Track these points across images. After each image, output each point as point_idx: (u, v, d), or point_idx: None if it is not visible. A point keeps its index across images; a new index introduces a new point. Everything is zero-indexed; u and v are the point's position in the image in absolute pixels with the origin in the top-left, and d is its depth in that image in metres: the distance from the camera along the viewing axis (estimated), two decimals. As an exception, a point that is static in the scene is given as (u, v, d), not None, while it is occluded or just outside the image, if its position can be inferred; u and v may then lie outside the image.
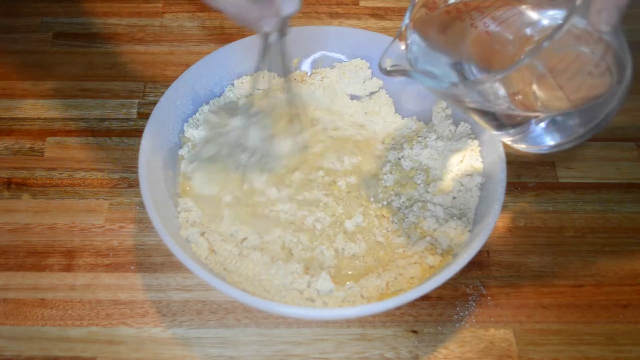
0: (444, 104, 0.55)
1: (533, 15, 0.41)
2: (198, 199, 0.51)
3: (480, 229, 0.46)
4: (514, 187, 0.57)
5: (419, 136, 0.55)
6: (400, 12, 0.71)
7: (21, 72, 0.65)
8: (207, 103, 0.57)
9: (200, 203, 0.51)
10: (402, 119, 0.58)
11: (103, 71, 0.65)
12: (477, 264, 0.52)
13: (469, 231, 0.48)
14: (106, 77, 0.65)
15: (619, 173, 0.58)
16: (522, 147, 0.42)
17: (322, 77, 0.59)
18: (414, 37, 0.43)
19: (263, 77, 0.55)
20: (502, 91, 0.36)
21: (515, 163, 0.58)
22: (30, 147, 0.59)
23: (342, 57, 0.59)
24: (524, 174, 0.58)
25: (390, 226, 0.51)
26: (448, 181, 0.52)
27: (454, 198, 0.51)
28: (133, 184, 0.57)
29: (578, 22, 0.34)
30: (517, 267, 0.52)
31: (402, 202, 0.52)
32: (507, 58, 0.42)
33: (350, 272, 0.48)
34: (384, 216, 0.51)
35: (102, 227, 0.54)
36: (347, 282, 0.46)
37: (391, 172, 0.54)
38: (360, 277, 0.47)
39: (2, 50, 0.67)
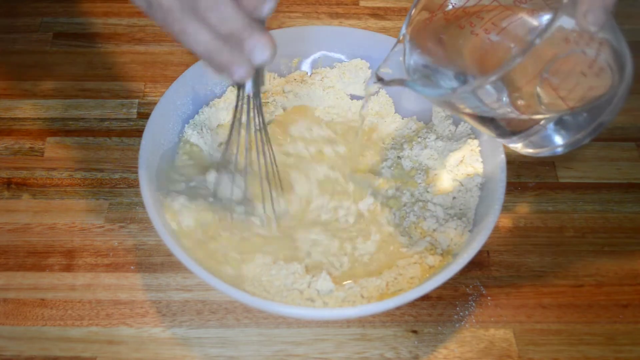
0: (444, 104, 0.55)
1: (533, 21, 0.41)
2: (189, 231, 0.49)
3: (480, 229, 0.46)
4: (514, 187, 0.57)
5: (418, 136, 0.55)
6: (400, 12, 0.71)
7: (21, 72, 0.65)
8: (207, 104, 0.56)
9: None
10: (402, 119, 0.58)
11: (103, 71, 0.65)
12: (477, 264, 0.52)
13: (469, 231, 0.48)
14: (106, 77, 0.65)
15: (619, 173, 0.58)
16: (529, 152, 0.42)
17: (322, 77, 0.59)
18: (412, 46, 0.43)
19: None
20: (499, 94, 0.36)
21: (515, 163, 0.58)
22: (30, 147, 0.59)
23: (342, 57, 0.59)
24: (524, 174, 0.58)
25: (391, 217, 0.51)
26: (448, 181, 0.52)
27: (454, 198, 0.51)
28: (133, 184, 0.57)
29: (567, 22, 0.34)
30: (517, 267, 0.52)
31: (404, 200, 0.52)
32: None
33: (352, 272, 0.48)
34: (389, 206, 0.52)
35: (102, 227, 0.54)
36: (347, 282, 0.46)
37: (390, 168, 0.54)
38: (360, 277, 0.47)
39: (2, 50, 0.67)
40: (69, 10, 0.71)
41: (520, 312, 0.50)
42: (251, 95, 0.42)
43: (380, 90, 0.59)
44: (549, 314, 0.50)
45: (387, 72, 0.43)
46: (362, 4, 0.72)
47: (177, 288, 0.51)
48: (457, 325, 0.49)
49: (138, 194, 0.51)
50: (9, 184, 0.57)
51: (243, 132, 0.45)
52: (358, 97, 0.59)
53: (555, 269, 0.52)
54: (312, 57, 0.60)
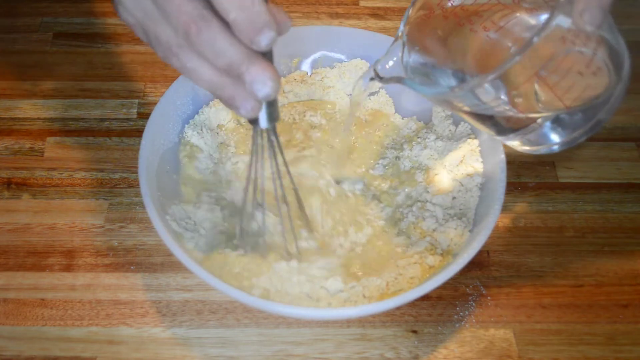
0: (444, 103, 0.55)
1: (532, 20, 0.41)
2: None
3: (480, 229, 0.46)
4: (514, 187, 0.57)
5: (418, 136, 0.55)
6: (400, 12, 0.71)
7: (21, 72, 0.65)
8: (207, 104, 0.56)
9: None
10: (402, 119, 0.58)
11: (103, 71, 0.65)
12: (477, 264, 0.52)
13: (469, 231, 0.48)
14: (106, 77, 0.65)
15: (619, 173, 0.58)
16: (526, 149, 0.42)
17: (322, 77, 0.59)
18: (410, 44, 0.43)
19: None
20: (497, 92, 0.36)
21: (515, 163, 0.58)
22: (30, 147, 0.59)
23: (342, 57, 0.59)
24: (524, 174, 0.58)
25: (377, 210, 0.51)
26: (448, 181, 0.52)
27: (453, 198, 0.51)
28: (133, 184, 0.57)
29: (564, 21, 0.34)
30: (517, 267, 0.52)
31: (399, 199, 0.52)
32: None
33: (359, 272, 0.48)
34: (379, 200, 0.52)
35: (102, 227, 0.54)
36: (351, 283, 0.46)
37: (385, 167, 0.54)
38: (357, 270, 0.47)
39: (2, 50, 0.67)
40: (69, 10, 0.71)
41: (520, 312, 0.50)
42: (265, 129, 0.39)
43: (381, 90, 0.59)
44: (549, 314, 0.50)
45: (384, 69, 0.43)
46: (362, 4, 0.72)
47: (177, 288, 0.51)
48: (457, 325, 0.49)
49: (138, 194, 0.51)
50: (9, 184, 0.57)
51: (259, 168, 0.42)
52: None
53: (555, 269, 0.52)
54: (312, 57, 0.60)
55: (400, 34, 0.43)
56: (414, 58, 0.43)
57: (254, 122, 0.38)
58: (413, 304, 0.50)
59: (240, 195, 0.51)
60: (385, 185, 0.53)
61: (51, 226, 0.54)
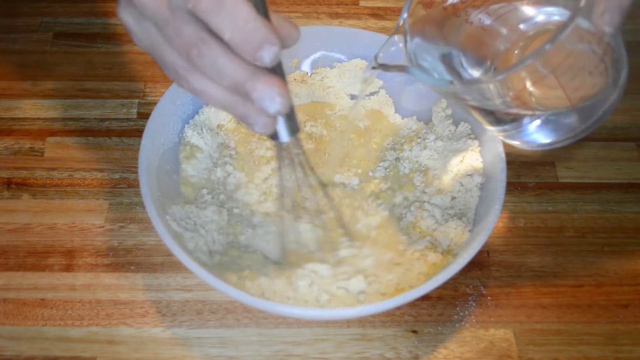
0: (444, 103, 0.55)
1: (528, 11, 0.41)
2: None
3: (480, 229, 0.46)
4: (514, 187, 0.57)
5: (418, 137, 0.55)
6: (400, 12, 0.71)
7: (21, 72, 0.65)
8: (207, 105, 0.56)
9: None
10: (402, 119, 0.58)
11: (103, 71, 0.65)
12: (477, 264, 0.52)
13: (469, 231, 0.48)
14: (106, 77, 0.65)
15: (619, 173, 0.58)
16: (516, 143, 0.42)
17: (322, 77, 0.59)
18: (411, 33, 0.43)
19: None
20: (501, 90, 0.37)
21: (515, 163, 0.58)
22: (30, 147, 0.59)
23: (342, 57, 0.59)
24: (524, 174, 0.58)
25: (376, 205, 0.51)
26: (448, 181, 0.52)
27: (453, 198, 0.51)
28: (133, 184, 0.57)
29: (581, 22, 0.34)
30: (517, 267, 0.52)
31: (397, 200, 0.52)
32: (500, 52, 0.42)
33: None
34: (377, 198, 0.52)
35: (102, 227, 0.54)
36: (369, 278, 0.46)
37: (386, 170, 0.54)
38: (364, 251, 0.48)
39: (2, 50, 0.67)
40: (69, 10, 0.71)
41: (520, 312, 0.50)
42: (287, 143, 0.38)
43: (380, 90, 0.59)
44: (549, 314, 0.50)
45: (387, 56, 0.43)
46: (362, 4, 0.72)
47: (177, 288, 0.51)
48: (457, 325, 0.49)
49: (138, 194, 0.51)
50: (9, 184, 0.57)
51: (288, 184, 0.41)
52: (358, 97, 0.59)
53: (555, 269, 0.52)
54: (312, 57, 0.60)
55: (402, 21, 0.42)
56: (415, 47, 0.43)
57: (274, 137, 0.37)
58: (413, 304, 0.50)
59: (247, 200, 0.52)
60: (384, 186, 0.53)
61: (51, 226, 0.54)
